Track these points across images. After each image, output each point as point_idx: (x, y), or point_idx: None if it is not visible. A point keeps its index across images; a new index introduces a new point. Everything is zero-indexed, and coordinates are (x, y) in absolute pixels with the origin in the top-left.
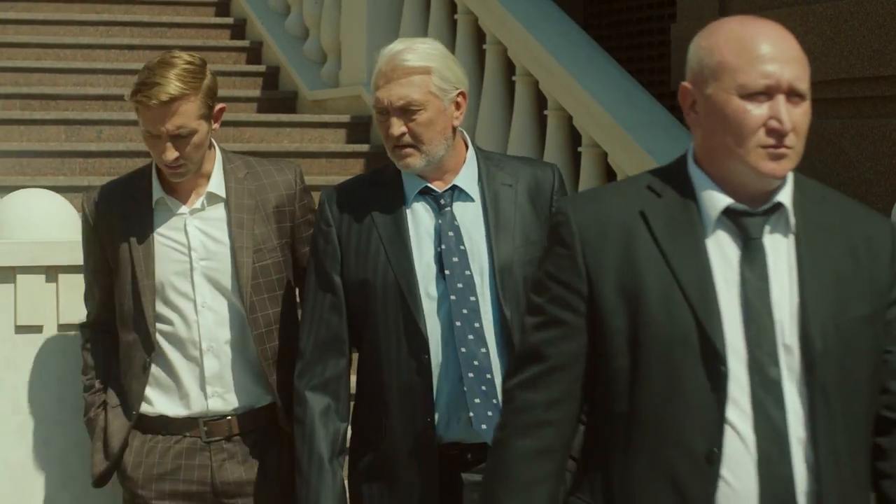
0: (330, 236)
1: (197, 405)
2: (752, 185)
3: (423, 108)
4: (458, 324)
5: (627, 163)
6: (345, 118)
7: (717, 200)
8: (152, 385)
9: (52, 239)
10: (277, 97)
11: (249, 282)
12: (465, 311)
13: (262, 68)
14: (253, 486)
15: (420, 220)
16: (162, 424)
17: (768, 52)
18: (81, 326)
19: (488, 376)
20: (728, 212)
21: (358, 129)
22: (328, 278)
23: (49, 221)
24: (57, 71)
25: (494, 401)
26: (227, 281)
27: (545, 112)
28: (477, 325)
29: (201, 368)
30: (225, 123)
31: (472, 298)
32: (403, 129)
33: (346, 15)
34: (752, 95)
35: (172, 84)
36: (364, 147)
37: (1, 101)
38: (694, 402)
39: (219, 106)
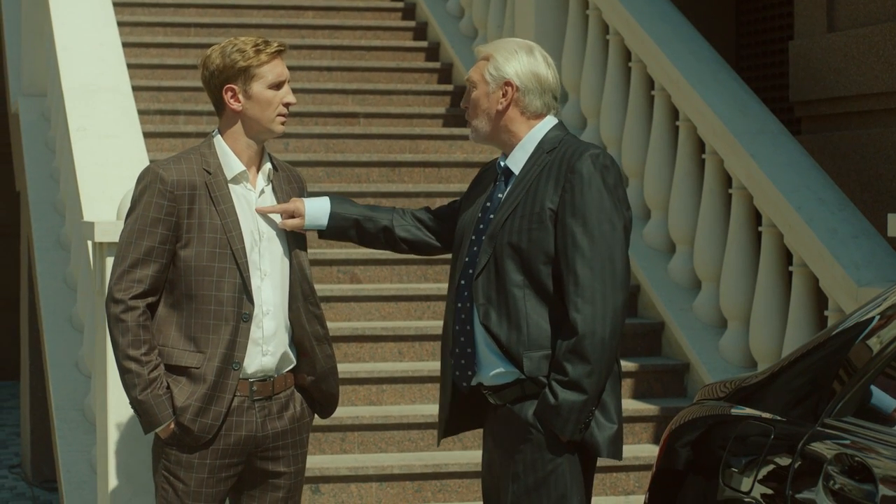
0: None
1: (254, 364)
2: None
3: (475, 87)
4: (462, 282)
5: (737, 168)
6: None
7: None
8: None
9: None
10: (461, 114)
11: (299, 254)
12: (470, 270)
13: (450, 87)
14: (286, 434)
15: (490, 189)
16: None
17: None
18: (129, 299)
19: (468, 327)
20: None
21: None
22: None
23: None
24: None
25: (469, 349)
26: (281, 253)
27: (677, 123)
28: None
29: (262, 330)
30: (402, 136)
31: (477, 259)
32: (466, 103)
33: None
34: None
35: None
36: None
37: (206, 117)
38: None
39: None
